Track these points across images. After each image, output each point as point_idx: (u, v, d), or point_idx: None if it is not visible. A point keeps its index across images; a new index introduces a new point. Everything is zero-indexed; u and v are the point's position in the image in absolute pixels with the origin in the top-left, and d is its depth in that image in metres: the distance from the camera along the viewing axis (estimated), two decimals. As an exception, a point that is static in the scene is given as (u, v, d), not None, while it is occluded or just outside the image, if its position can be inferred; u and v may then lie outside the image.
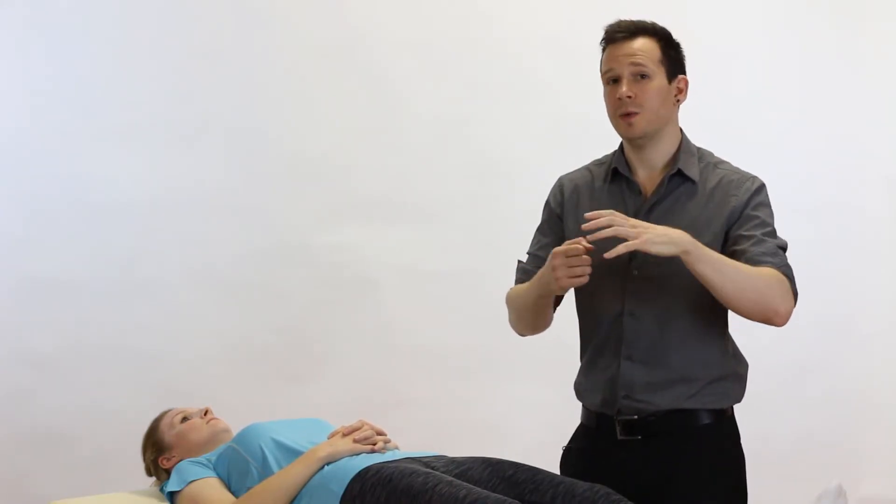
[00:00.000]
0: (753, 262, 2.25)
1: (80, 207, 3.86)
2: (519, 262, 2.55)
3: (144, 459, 2.85)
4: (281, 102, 4.02)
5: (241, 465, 2.59)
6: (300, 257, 4.00)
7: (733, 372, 2.39)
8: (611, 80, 2.36)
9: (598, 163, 2.52)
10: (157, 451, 2.80)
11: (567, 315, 2.52)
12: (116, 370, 3.86)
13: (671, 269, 2.28)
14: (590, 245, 2.23)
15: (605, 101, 2.39)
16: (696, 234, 2.24)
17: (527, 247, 2.56)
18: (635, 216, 2.32)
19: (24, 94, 3.86)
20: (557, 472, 2.47)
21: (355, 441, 2.53)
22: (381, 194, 4.05)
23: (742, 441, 2.44)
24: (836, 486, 2.25)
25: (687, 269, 2.22)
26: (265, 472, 2.54)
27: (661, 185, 2.37)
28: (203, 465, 2.65)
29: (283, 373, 3.96)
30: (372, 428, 2.60)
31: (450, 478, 2.30)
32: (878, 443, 4.18)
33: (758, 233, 2.30)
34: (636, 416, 2.35)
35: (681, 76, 2.39)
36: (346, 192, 4.04)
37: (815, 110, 4.23)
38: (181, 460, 2.71)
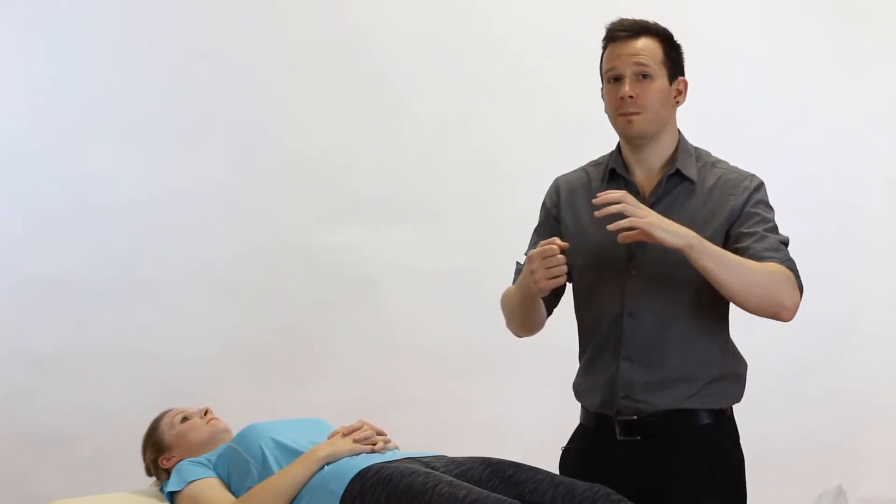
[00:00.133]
0: (757, 257, 2.25)
1: (80, 207, 3.86)
2: (517, 263, 2.55)
3: (144, 459, 2.85)
4: (281, 102, 4.02)
5: (241, 465, 2.59)
6: (300, 257, 4.00)
7: (733, 372, 2.39)
8: (612, 79, 2.35)
9: (594, 163, 2.52)
10: (157, 451, 2.80)
11: (567, 315, 2.52)
12: (116, 370, 3.86)
13: (670, 269, 2.29)
14: (564, 244, 2.23)
15: (605, 99, 2.39)
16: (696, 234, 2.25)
17: (526, 247, 2.56)
18: (634, 216, 2.32)
19: (24, 94, 3.86)
20: (557, 472, 2.47)
21: (355, 441, 2.53)
22: (381, 194, 4.05)
23: (742, 441, 2.43)
24: (836, 486, 2.25)
25: (686, 269, 2.22)
26: (265, 472, 2.54)
27: (659, 185, 2.37)
28: (203, 465, 2.65)
29: (283, 373, 3.96)
30: (372, 428, 2.60)
31: (450, 478, 2.30)
32: (878, 443, 4.18)
33: (759, 229, 2.30)
34: (635, 417, 2.34)
35: (680, 78, 2.39)
36: (346, 192, 4.04)
37: (815, 110, 4.23)
38: (181, 460, 2.71)
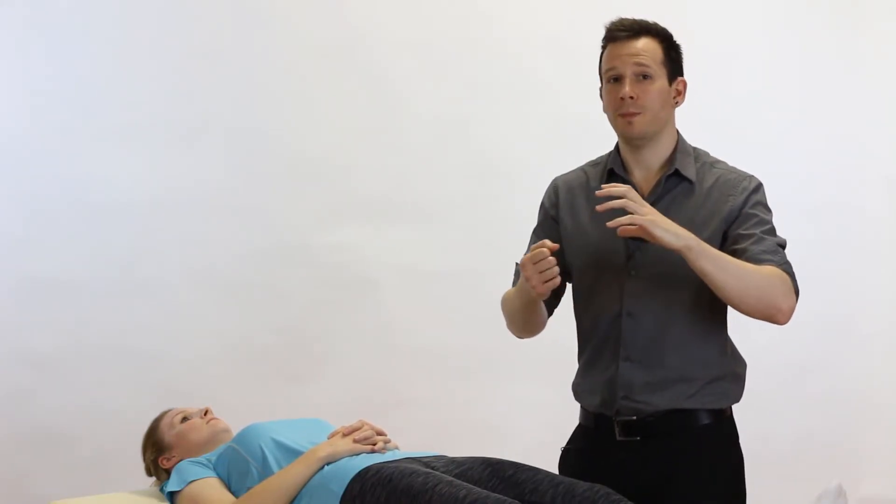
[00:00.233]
0: (754, 260, 2.25)
1: (80, 207, 3.86)
2: (516, 264, 2.54)
3: (144, 459, 2.85)
4: (281, 102, 4.02)
5: (241, 465, 2.59)
6: (300, 257, 4.00)
7: (732, 372, 2.39)
8: (612, 79, 2.35)
9: (593, 163, 2.52)
10: (157, 451, 2.80)
11: (567, 315, 2.52)
12: (116, 370, 3.86)
13: (669, 270, 2.29)
14: (554, 245, 2.23)
15: (604, 98, 2.39)
16: (694, 234, 2.24)
17: (526, 247, 2.55)
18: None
19: (24, 94, 3.86)
20: (557, 472, 2.47)
21: (355, 441, 2.53)
22: (381, 194, 4.05)
23: (742, 441, 2.44)
24: (836, 486, 2.25)
25: (685, 269, 2.22)
26: (265, 472, 2.54)
27: (657, 185, 2.37)
28: (203, 465, 2.65)
29: (283, 373, 3.96)
30: (372, 428, 2.60)
31: (450, 478, 2.30)
32: (878, 443, 4.18)
33: (757, 231, 2.30)
34: (635, 417, 2.34)
35: (680, 78, 2.39)
36: (346, 192, 4.04)
37: (815, 110, 4.23)
38: (181, 460, 2.71)
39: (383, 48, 4.07)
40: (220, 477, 2.62)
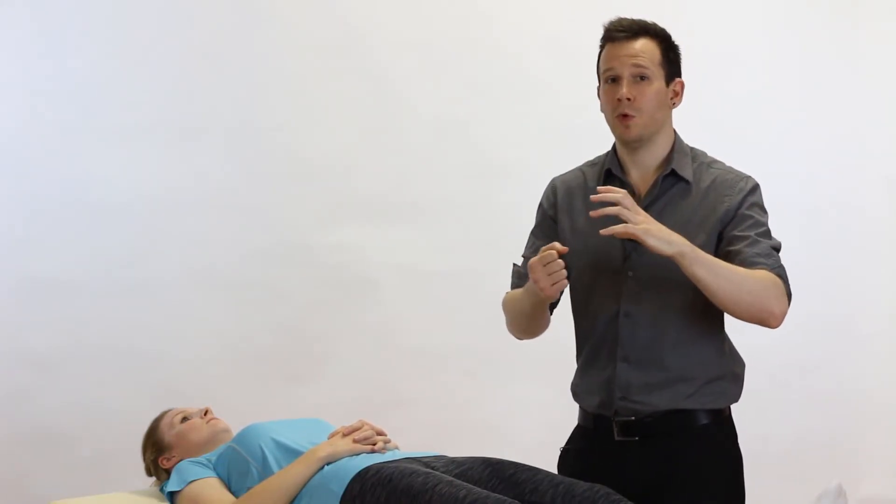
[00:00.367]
0: (748, 263, 2.25)
1: (80, 207, 3.86)
2: (514, 265, 2.54)
3: (144, 459, 2.85)
4: (281, 102, 4.02)
5: (241, 465, 2.59)
6: (300, 257, 4.00)
7: (730, 371, 2.39)
8: (609, 80, 2.35)
9: (590, 164, 2.52)
10: (157, 451, 2.80)
11: (567, 315, 2.52)
12: (116, 370, 3.86)
13: (666, 270, 2.28)
14: (563, 248, 2.23)
15: (602, 98, 2.39)
16: (690, 234, 2.25)
17: (524, 248, 2.55)
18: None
19: (24, 94, 3.86)
20: (556, 472, 2.47)
21: (355, 441, 2.54)
22: (381, 194, 4.05)
23: (741, 441, 2.43)
24: (836, 486, 2.25)
25: (682, 270, 2.22)
26: (265, 472, 2.54)
27: (654, 185, 2.37)
28: (203, 465, 2.65)
29: (283, 373, 3.96)
30: (372, 428, 2.60)
31: (450, 478, 2.31)
32: (878, 443, 4.18)
33: (752, 233, 2.30)
34: (633, 418, 2.35)
35: (677, 79, 2.39)
36: (346, 192, 4.04)
37: (815, 110, 4.23)
38: (181, 460, 2.71)
39: (383, 48, 4.07)
40: (220, 477, 2.63)
